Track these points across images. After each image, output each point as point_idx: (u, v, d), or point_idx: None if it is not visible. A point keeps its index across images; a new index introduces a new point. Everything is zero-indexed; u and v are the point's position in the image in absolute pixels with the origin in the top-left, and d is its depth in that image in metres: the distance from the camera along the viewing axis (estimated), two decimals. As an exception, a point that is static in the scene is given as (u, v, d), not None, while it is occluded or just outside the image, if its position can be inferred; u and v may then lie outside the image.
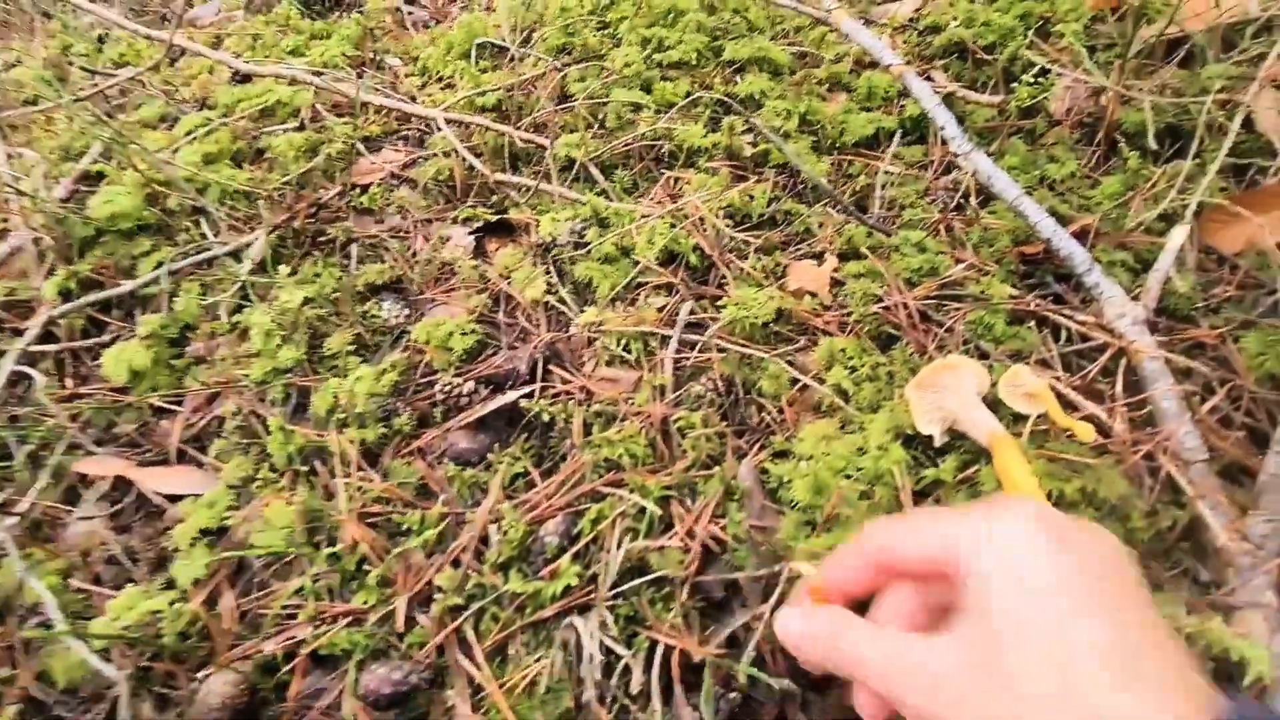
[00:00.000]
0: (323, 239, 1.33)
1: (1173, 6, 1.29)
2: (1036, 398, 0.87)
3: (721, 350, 1.05)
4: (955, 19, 1.47)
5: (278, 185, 1.41)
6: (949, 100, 1.37)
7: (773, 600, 0.84)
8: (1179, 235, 0.99)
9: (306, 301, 1.19)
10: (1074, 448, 0.84)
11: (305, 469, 1.05)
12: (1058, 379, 0.94)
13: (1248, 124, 1.17)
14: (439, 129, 1.43)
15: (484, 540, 0.96)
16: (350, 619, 0.93)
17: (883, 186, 1.28)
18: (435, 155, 1.44)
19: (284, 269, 1.20)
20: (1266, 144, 1.15)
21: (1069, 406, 0.91)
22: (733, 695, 0.82)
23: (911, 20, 1.56)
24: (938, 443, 0.89)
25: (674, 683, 0.83)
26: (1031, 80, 1.33)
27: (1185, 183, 1.12)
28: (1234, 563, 0.75)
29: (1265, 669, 0.66)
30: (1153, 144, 1.16)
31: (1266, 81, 1.16)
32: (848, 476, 0.88)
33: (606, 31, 1.55)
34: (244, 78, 1.65)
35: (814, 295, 1.10)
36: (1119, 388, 0.92)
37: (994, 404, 0.90)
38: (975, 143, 1.28)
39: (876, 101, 1.40)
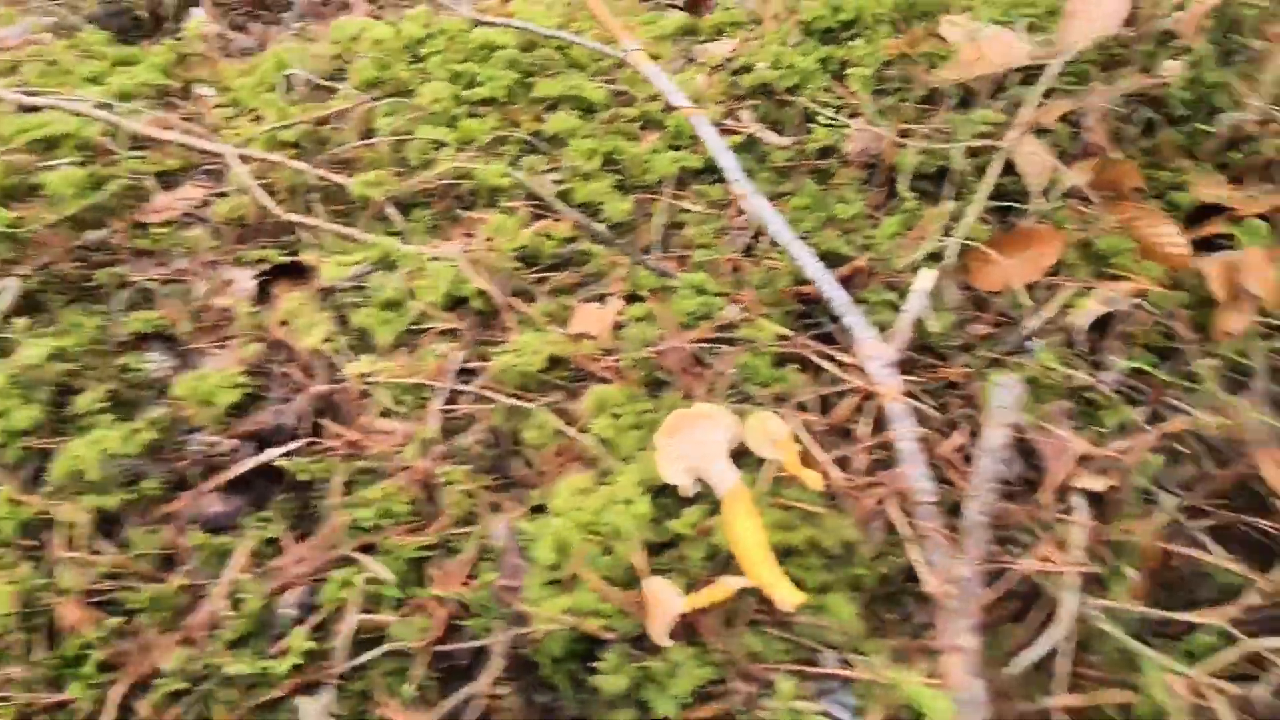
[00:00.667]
0: (89, 284, 1.23)
1: (955, 52, 1.36)
2: (779, 445, 0.87)
3: (489, 400, 1.02)
4: (765, 61, 1.51)
5: (50, 224, 1.30)
6: (750, 141, 1.40)
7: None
8: (926, 278, 1.03)
9: (56, 355, 1.10)
10: (808, 495, 0.85)
11: (33, 543, 0.96)
12: (810, 422, 0.95)
13: (1010, 168, 1.23)
14: (232, 166, 1.36)
15: (220, 620, 0.89)
16: (60, 710, 0.84)
17: (679, 226, 1.28)
18: (232, 192, 1.37)
19: (22, 321, 1.10)
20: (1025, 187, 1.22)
21: (820, 448, 0.92)
22: (461, 773, 0.78)
23: (727, 60, 1.59)
24: (689, 493, 0.88)
25: (401, 764, 0.78)
26: (827, 122, 1.38)
27: (952, 223, 1.17)
28: (942, 606, 0.76)
29: (942, 718, 0.67)
30: (910, 188, 1.22)
31: (1026, 127, 1.23)
32: (595, 532, 0.85)
33: (419, 66, 1.51)
34: (30, 107, 1.53)
35: (594, 339, 1.09)
36: (866, 430, 0.94)
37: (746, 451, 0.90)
38: (765, 183, 1.31)
39: (684, 140, 1.41)
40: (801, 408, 0.98)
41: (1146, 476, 0.92)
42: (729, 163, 1.19)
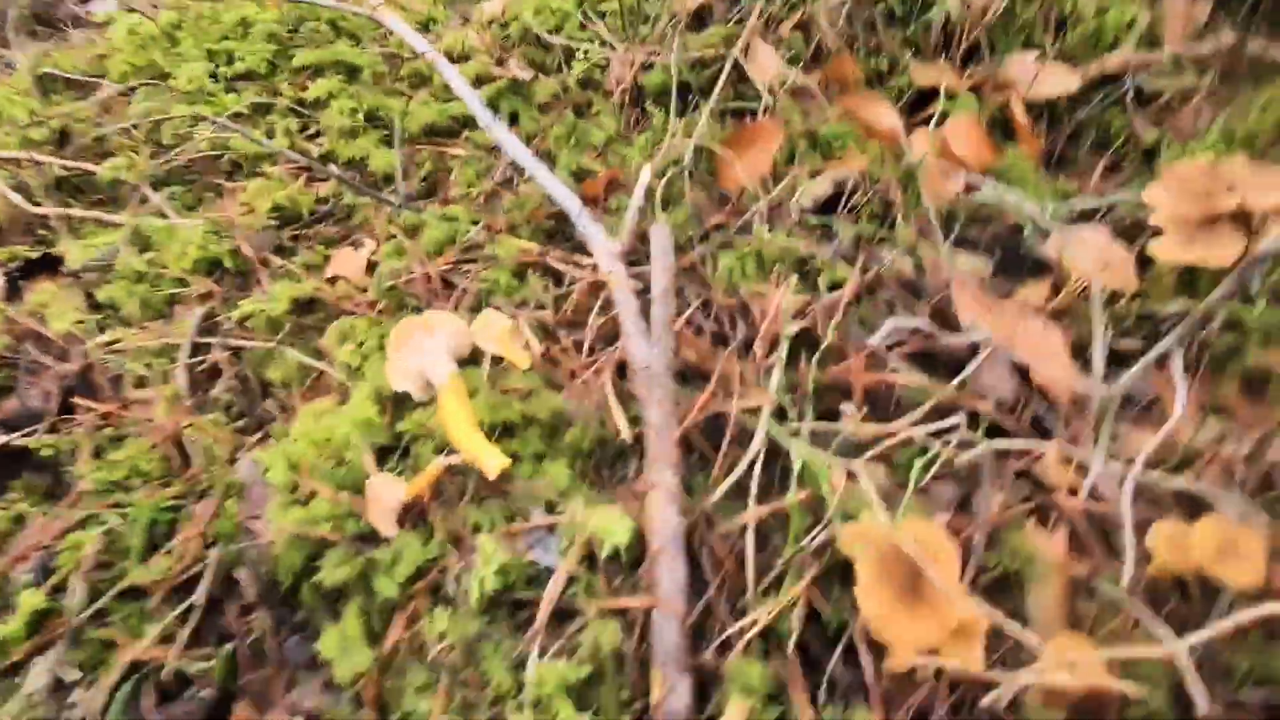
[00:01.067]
0: None
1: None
2: (498, 338, 0.91)
3: (236, 350, 1.02)
4: (529, 10, 1.55)
5: None
6: (515, 84, 1.44)
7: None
8: (644, 175, 1.08)
9: None
10: (524, 378, 0.89)
11: None
12: (544, 319, 0.99)
13: (745, 75, 1.31)
14: (-26, 169, 1.31)
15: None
16: None
17: (448, 171, 1.31)
18: (-21, 198, 1.31)
19: None
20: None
21: (548, 339, 0.96)
22: (205, 693, 0.78)
23: (499, 16, 1.63)
24: (421, 397, 0.91)
25: (143, 696, 0.78)
26: (582, 58, 1.43)
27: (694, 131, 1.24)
28: (647, 451, 0.81)
29: (623, 538, 0.72)
30: (656, 105, 1.28)
31: (750, 34, 1.31)
32: (327, 447, 0.87)
33: (176, 51, 1.49)
34: None
35: (349, 280, 1.10)
36: (596, 319, 0.98)
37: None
38: (530, 120, 1.36)
39: (453, 94, 1.44)
40: (540, 307, 1.02)
41: (855, 320, 1.00)
42: (466, 92, 1.23)
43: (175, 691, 0.80)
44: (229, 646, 0.81)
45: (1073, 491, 0.83)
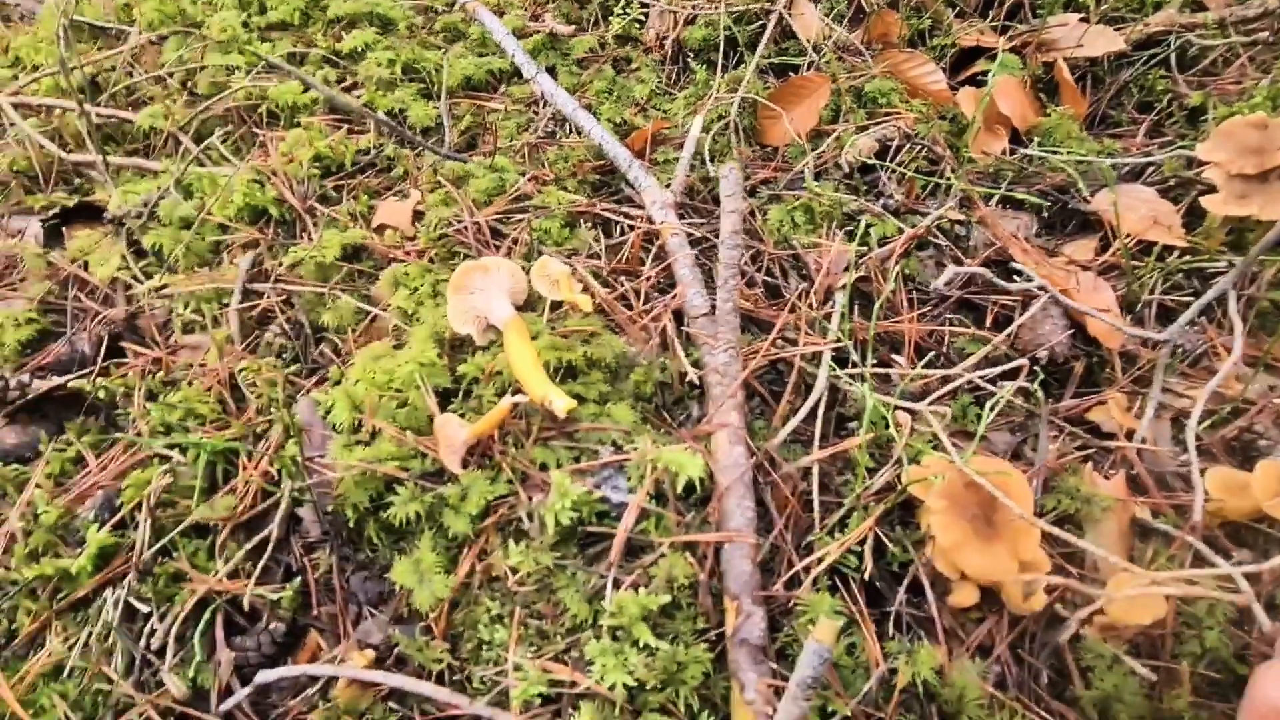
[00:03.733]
0: None
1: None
2: (559, 283, 0.91)
3: (286, 295, 1.02)
4: (562, -37, 1.53)
5: None
6: (553, 38, 1.43)
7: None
8: (696, 125, 1.08)
9: None
10: (586, 321, 0.89)
11: None
12: (599, 268, 0.99)
13: (790, 33, 1.30)
14: (8, 114, 1.29)
15: (17, 536, 0.87)
16: None
17: (487, 126, 1.30)
18: (11, 143, 1.30)
19: None
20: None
21: (606, 286, 0.96)
22: (275, 626, 0.80)
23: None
24: (481, 341, 0.91)
25: (216, 628, 0.79)
26: (621, 13, 1.41)
27: (739, 87, 1.23)
28: (711, 394, 0.82)
29: (695, 473, 0.73)
30: (700, 61, 1.27)
31: (797, -9, 1.30)
32: (390, 388, 0.88)
33: (207, 0, 1.47)
34: None
35: (395, 229, 1.10)
36: (650, 267, 0.99)
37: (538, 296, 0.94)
38: (568, 75, 1.35)
39: (491, 48, 1.43)
40: (593, 256, 1.02)
41: (910, 270, 1.01)
42: (511, 45, 1.22)
43: (245, 625, 0.82)
44: (298, 580, 0.82)
45: (1128, 436, 0.84)
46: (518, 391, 0.82)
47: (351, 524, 0.84)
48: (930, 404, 0.81)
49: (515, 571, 0.74)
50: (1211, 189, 0.99)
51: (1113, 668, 0.70)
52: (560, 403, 0.79)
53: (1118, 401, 0.87)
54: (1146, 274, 0.99)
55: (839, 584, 0.75)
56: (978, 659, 0.72)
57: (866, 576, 0.74)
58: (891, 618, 0.74)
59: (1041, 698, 0.71)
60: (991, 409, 0.77)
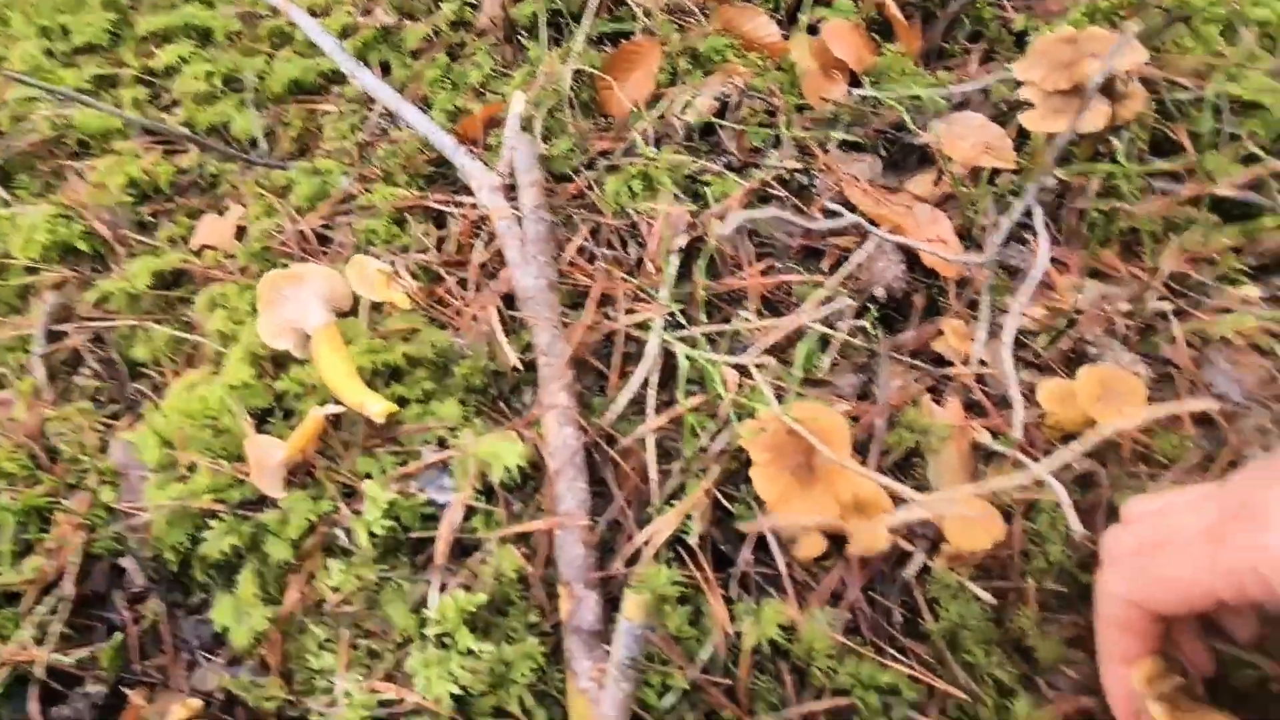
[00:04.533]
0: None
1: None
2: (375, 282, 0.86)
3: (95, 334, 0.95)
4: (390, -46, 1.46)
5: None
6: (385, 32, 1.37)
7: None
8: (517, 103, 1.04)
9: None
10: (412, 318, 0.85)
11: None
12: (429, 261, 0.95)
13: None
14: None
15: None
16: None
17: (319, 129, 1.24)
18: None
19: None
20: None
21: (438, 280, 0.92)
22: (95, 690, 0.73)
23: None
24: (301, 354, 0.86)
25: (30, 700, 0.73)
26: (452, -2, 1.36)
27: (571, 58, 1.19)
28: (540, 375, 0.79)
29: (513, 460, 0.70)
30: (534, 38, 1.23)
31: (622, -45, 1.26)
32: (202, 417, 0.82)
33: (5, 31, 1.36)
34: None
35: (215, 249, 1.03)
36: (480, 251, 0.95)
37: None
38: (403, 68, 1.29)
39: (318, 50, 1.36)
40: (423, 251, 0.97)
41: (752, 225, 0.99)
42: (328, 43, 1.15)
43: (66, 692, 0.75)
44: (117, 637, 0.76)
45: (965, 362, 0.83)
46: (337, 403, 0.77)
47: (176, 567, 0.78)
48: (759, 357, 0.79)
49: (337, 591, 0.69)
50: (1031, 107, 0.99)
51: (957, 596, 0.69)
52: (376, 407, 0.75)
53: (954, 329, 0.86)
54: (980, 199, 0.99)
55: (683, 553, 0.73)
56: (829, 608, 0.70)
57: (698, 541, 0.71)
58: (738, 579, 0.72)
59: (895, 637, 0.70)
60: (823, 353, 0.75)
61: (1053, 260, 0.96)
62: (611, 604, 0.68)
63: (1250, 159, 0.98)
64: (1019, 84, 1.06)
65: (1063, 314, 0.88)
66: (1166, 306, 0.88)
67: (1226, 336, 0.84)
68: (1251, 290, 0.88)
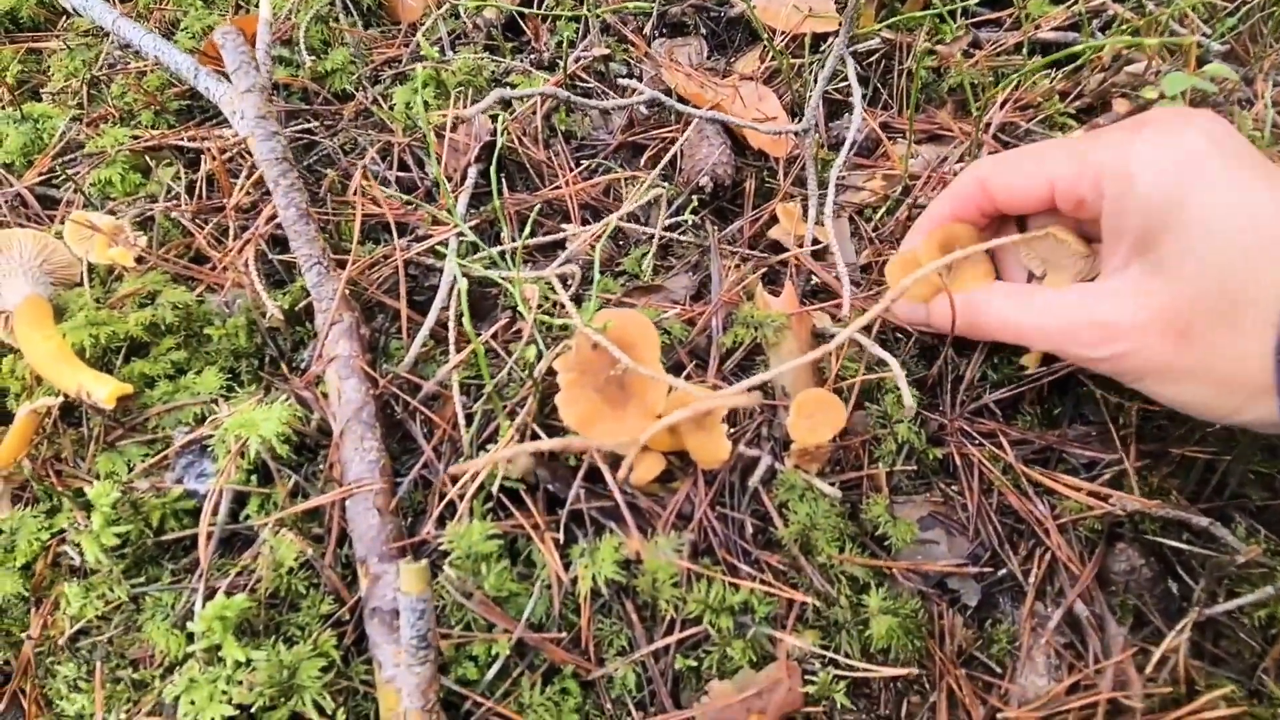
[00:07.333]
0: None
1: None
2: (93, 242, 0.70)
3: None
4: None
5: None
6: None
7: None
8: (263, 9, 0.87)
9: None
10: (151, 278, 0.70)
11: None
12: (181, 210, 0.79)
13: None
14: None
15: None
16: None
17: (44, 70, 1.01)
18: None
19: None
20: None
21: (195, 230, 0.76)
22: None
23: None
24: (12, 341, 0.70)
25: None
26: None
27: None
28: (316, 323, 0.66)
29: (270, 430, 0.58)
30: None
31: None
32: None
33: None
34: None
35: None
36: (241, 189, 0.79)
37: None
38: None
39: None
40: (174, 199, 0.81)
41: (567, 127, 0.87)
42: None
43: None
44: None
45: (799, 244, 0.76)
46: (59, 394, 0.62)
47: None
48: (562, 268, 0.69)
49: (77, 620, 0.56)
50: (850, -38, 0.91)
51: (804, 496, 0.63)
52: (101, 392, 0.61)
53: (786, 210, 0.79)
54: (807, 69, 0.91)
55: (508, 501, 0.64)
56: (674, 534, 0.63)
57: (522, 486, 0.62)
58: (573, 518, 0.64)
59: (748, 551, 0.64)
60: (640, 260, 0.66)
61: (885, 128, 0.90)
62: (436, 571, 0.59)
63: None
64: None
65: (898, 180, 0.82)
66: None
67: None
68: (1077, 133, 0.84)
